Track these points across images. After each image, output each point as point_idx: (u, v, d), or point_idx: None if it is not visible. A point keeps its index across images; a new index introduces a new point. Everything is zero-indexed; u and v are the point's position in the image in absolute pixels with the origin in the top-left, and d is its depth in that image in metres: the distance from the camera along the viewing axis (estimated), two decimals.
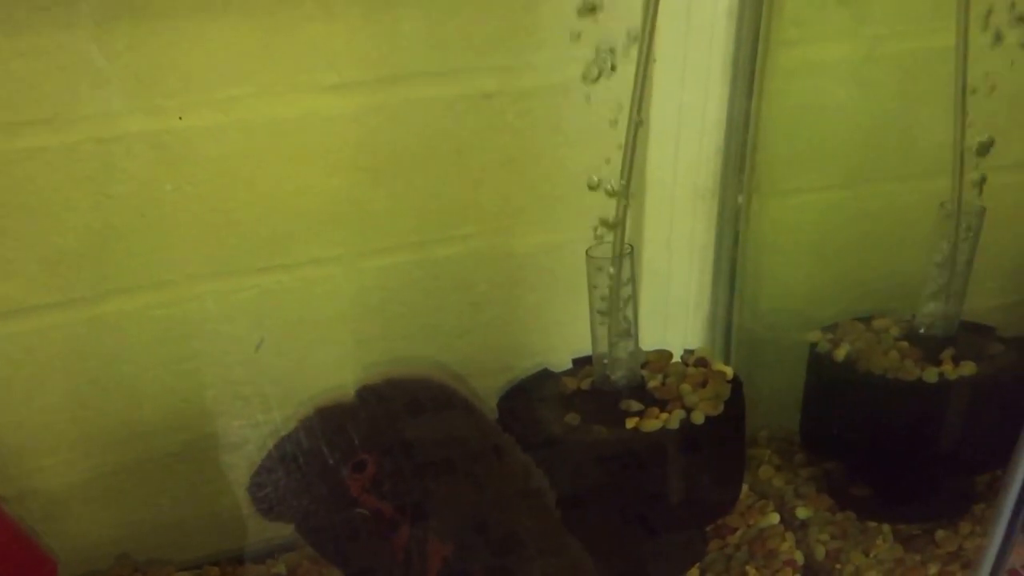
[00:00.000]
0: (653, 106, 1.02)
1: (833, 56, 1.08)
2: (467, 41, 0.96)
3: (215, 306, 0.98)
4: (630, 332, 0.96)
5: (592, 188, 0.95)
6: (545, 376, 1.03)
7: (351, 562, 0.86)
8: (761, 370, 1.13)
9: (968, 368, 0.99)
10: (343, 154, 0.96)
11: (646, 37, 0.87)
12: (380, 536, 0.82)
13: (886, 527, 1.04)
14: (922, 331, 1.04)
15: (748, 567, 0.98)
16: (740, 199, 1.08)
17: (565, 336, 1.08)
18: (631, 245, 0.93)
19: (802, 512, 1.04)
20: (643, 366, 1.00)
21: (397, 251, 1.03)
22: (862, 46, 1.07)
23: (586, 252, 0.93)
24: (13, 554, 0.88)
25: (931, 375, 0.98)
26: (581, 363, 1.02)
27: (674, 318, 1.11)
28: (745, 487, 1.06)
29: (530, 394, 1.00)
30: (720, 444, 0.96)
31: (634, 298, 0.96)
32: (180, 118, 0.90)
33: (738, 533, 1.02)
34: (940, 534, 1.02)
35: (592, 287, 0.95)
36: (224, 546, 1.02)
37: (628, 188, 0.91)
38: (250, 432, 1.00)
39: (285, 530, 1.00)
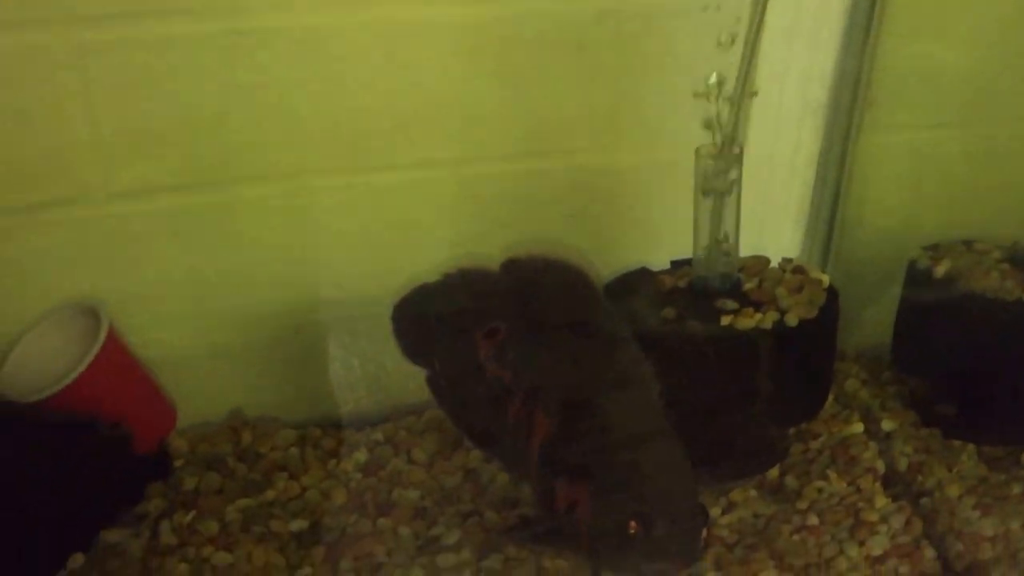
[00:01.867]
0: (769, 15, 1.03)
1: None
2: None
3: (328, 200, 1.03)
4: (730, 235, 0.99)
5: (701, 96, 0.97)
6: (644, 273, 1.06)
7: (466, 418, 0.92)
8: (856, 286, 1.13)
9: None
10: (460, 62, 0.99)
11: None
12: (496, 401, 0.86)
13: (971, 447, 1.05)
14: None
15: (829, 471, 1.00)
16: (852, 117, 1.09)
17: (665, 247, 1.10)
18: (740, 147, 0.95)
19: (887, 424, 1.06)
20: (740, 270, 1.02)
21: (503, 160, 1.06)
22: None
23: (695, 150, 0.95)
24: (141, 400, 0.95)
25: None
26: (680, 264, 1.05)
27: (774, 228, 1.12)
28: (831, 398, 1.08)
29: (628, 289, 1.03)
30: (811, 348, 0.98)
31: (737, 201, 0.98)
32: (312, 16, 0.95)
33: (821, 439, 1.04)
34: None
35: (698, 186, 0.97)
36: (328, 413, 1.09)
37: (743, 90, 0.93)
38: (351, 320, 1.07)
39: (385, 403, 1.08)
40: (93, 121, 0.92)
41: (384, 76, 0.98)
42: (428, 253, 1.02)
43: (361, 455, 1.01)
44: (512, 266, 0.90)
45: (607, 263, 1.08)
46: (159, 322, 1.01)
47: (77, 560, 0.86)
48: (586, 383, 0.84)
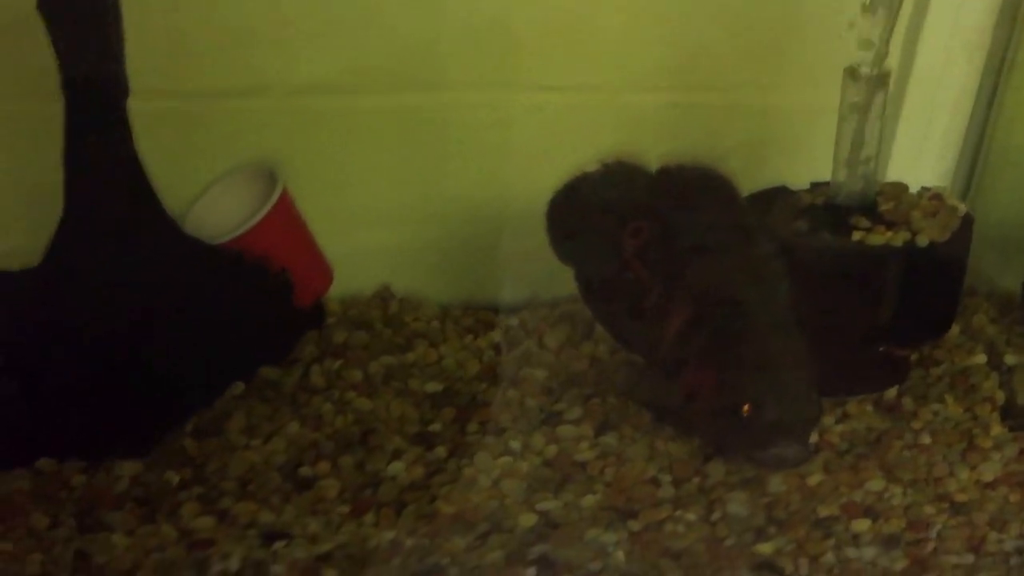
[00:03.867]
0: None
1: None
2: None
3: (500, 115, 1.10)
4: (871, 157, 1.01)
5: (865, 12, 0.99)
6: (782, 191, 1.09)
7: (607, 313, 0.99)
8: (995, 227, 1.14)
9: None
10: None
11: None
12: (636, 297, 0.93)
13: None
14: None
15: (947, 396, 1.02)
16: (1006, 52, 1.09)
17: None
18: (888, 69, 0.97)
19: (1010, 359, 1.07)
20: (878, 194, 1.04)
21: (658, 91, 1.11)
22: None
23: (844, 69, 0.97)
24: (304, 258, 1.04)
25: None
26: (819, 185, 1.08)
27: (919, 157, 1.14)
28: (956, 330, 1.10)
29: (764, 203, 1.07)
30: (939, 271, 1.00)
31: (881, 123, 1.00)
32: None
33: (942, 366, 1.06)
34: None
35: (843, 105, 0.99)
36: (469, 300, 1.16)
37: (896, 10, 0.95)
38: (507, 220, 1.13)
39: (523, 295, 1.15)
40: (276, 11, 1.02)
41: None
42: None
43: (496, 335, 1.09)
44: (664, 171, 0.96)
45: None
46: (329, 210, 1.09)
47: (238, 388, 0.96)
48: (721, 277, 0.90)
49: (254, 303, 0.96)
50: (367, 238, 1.12)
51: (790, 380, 0.86)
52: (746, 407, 0.84)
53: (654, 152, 1.05)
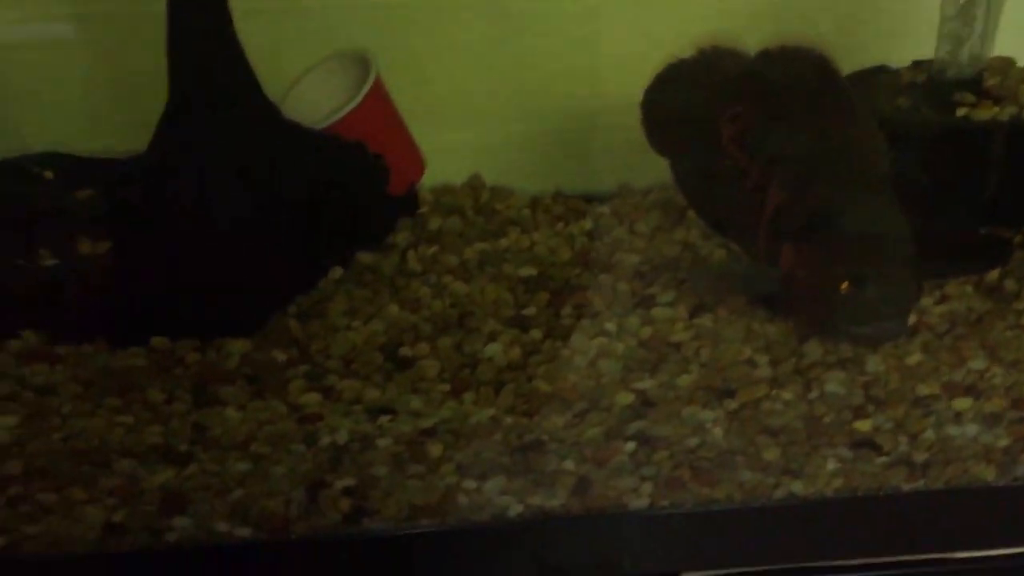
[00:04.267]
0: None
1: None
2: None
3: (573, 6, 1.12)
4: (978, 30, 0.99)
5: None
6: (881, 69, 1.07)
7: (704, 203, 1.01)
8: None
9: None
10: None
11: None
12: (734, 183, 0.93)
13: None
14: None
15: None
16: None
17: None
18: None
19: None
20: (983, 69, 1.02)
21: None
22: None
23: None
24: (398, 146, 1.07)
25: None
26: (921, 64, 1.06)
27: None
28: None
29: (864, 81, 1.05)
30: None
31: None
32: None
33: None
34: None
35: None
36: (563, 189, 1.17)
37: None
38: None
39: (614, 183, 1.16)
40: None
41: None
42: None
43: (587, 223, 1.10)
44: (763, 53, 0.96)
45: None
46: (419, 105, 1.11)
47: (337, 272, 0.99)
48: (821, 155, 0.90)
49: (352, 188, 0.98)
50: (456, 133, 1.14)
51: (890, 256, 0.86)
52: (845, 283, 0.84)
53: (750, 39, 1.05)
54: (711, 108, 0.95)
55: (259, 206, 0.91)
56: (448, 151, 1.14)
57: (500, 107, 1.16)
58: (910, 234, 0.88)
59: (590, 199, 1.14)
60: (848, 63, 1.05)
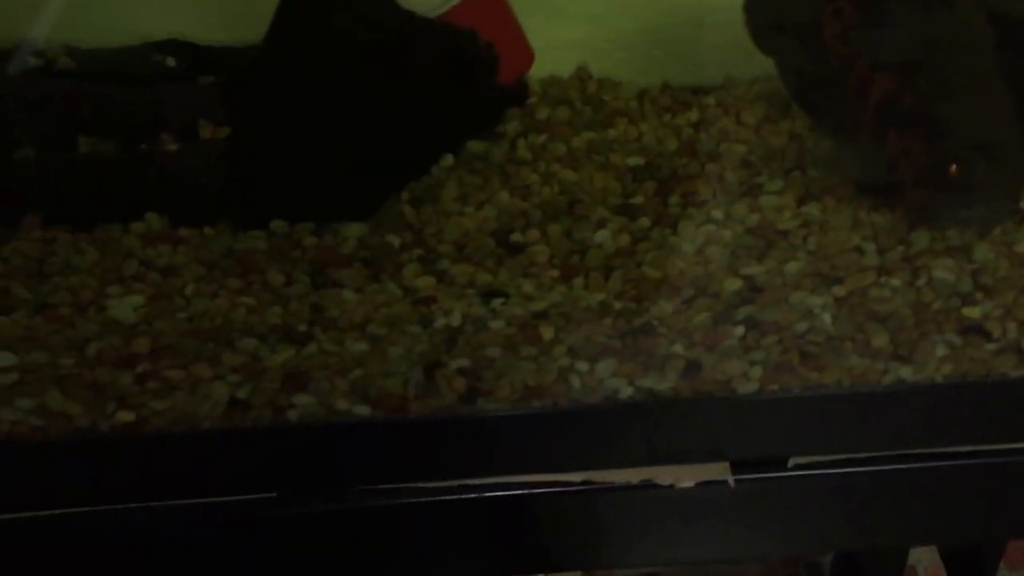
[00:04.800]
0: None
1: None
2: None
3: None
4: None
5: None
6: None
7: (811, 99, 1.03)
8: None
9: None
10: None
11: None
12: (839, 77, 0.95)
13: None
14: None
15: None
16: None
17: None
18: None
19: None
20: None
21: None
22: None
23: None
24: (507, 37, 1.07)
25: None
26: None
27: None
28: None
29: None
30: None
31: None
32: None
33: None
34: None
35: None
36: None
37: None
38: None
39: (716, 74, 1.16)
40: None
41: None
42: None
43: (693, 114, 1.10)
44: None
45: None
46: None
47: (448, 160, 1.01)
48: (925, 45, 0.90)
49: (464, 76, 1.00)
50: (564, 30, 1.15)
51: (998, 139, 0.87)
52: (955, 166, 0.85)
53: None
54: (814, 4, 0.95)
55: (373, 92, 0.93)
56: (556, 47, 1.15)
57: (608, 4, 1.17)
58: (1018, 119, 0.88)
59: (696, 91, 1.15)
60: None
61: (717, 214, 0.96)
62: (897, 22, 0.92)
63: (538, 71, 1.13)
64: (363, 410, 0.82)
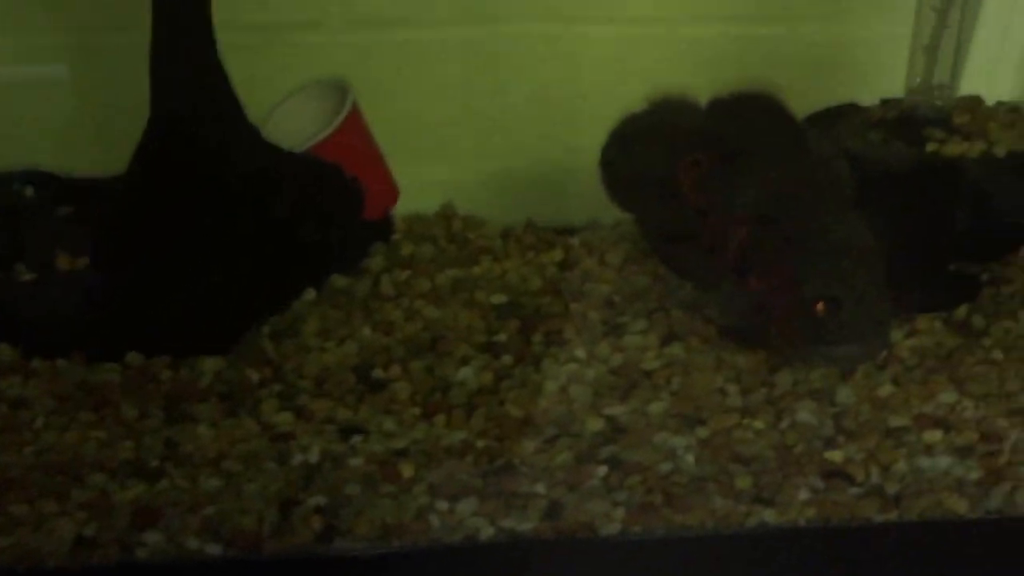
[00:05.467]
0: None
1: None
2: None
3: (564, 47, 1.19)
4: (947, 69, 1.06)
5: None
6: (852, 106, 1.14)
7: (669, 251, 1.06)
8: None
9: None
10: None
11: None
12: (696, 228, 0.99)
13: None
14: None
15: (1019, 313, 1.07)
16: None
17: None
18: None
19: None
20: (952, 107, 1.09)
21: (716, 22, 1.18)
22: None
23: None
24: (373, 172, 1.11)
25: None
26: (890, 101, 1.13)
27: (994, 73, 1.18)
28: None
29: (834, 118, 1.12)
30: (1018, 182, 1.04)
31: (958, 36, 1.04)
32: None
33: (1014, 284, 1.10)
34: None
35: (920, 16, 1.04)
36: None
37: None
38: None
39: (583, 217, 1.21)
40: None
41: None
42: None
43: (558, 253, 1.15)
44: (715, 101, 1.02)
45: None
46: (390, 141, 1.16)
47: (310, 294, 1.04)
48: (780, 188, 0.96)
49: (329, 210, 1.03)
50: (432, 168, 1.21)
51: (863, 277, 0.92)
52: (820, 306, 0.90)
53: (715, 85, 1.11)
54: (669, 160, 1.00)
55: (235, 225, 0.95)
56: (423, 185, 1.20)
57: (475, 144, 1.23)
58: (880, 255, 0.94)
59: (561, 232, 1.20)
60: (819, 101, 1.13)
61: (580, 353, 0.99)
62: (754, 170, 0.98)
63: (404, 208, 1.17)
64: (215, 549, 0.81)
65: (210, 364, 0.94)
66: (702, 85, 1.10)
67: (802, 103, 1.11)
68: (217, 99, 0.93)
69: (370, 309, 1.03)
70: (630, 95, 1.09)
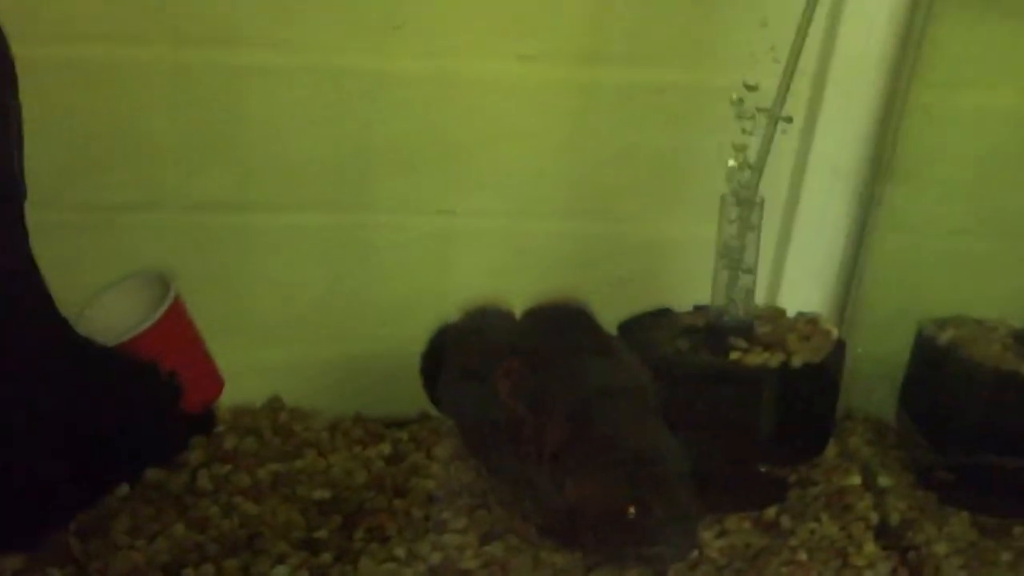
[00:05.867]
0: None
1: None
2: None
3: (398, 237, 1.23)
4: (750, 282, 1.14)
5: (737, 151, 1.13)
6: (665, 312, 1.21)
7: (486, 453, 1.10)
8: (869, 353, 1.28)
9: None
10: (521, 120, 1.19)
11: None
12: (513, 431, 1.03)
13: (964, 513, 1.17)
14: None
15: (823, 514, 1.13)
16: (876, 189, 1.25)
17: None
18: (762, 196, 1.11)
19: (884, 481, 1.19)
20: (756, 318, 1.17)
21: (554, 218, 1.25)
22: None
23: (721, 196, 1.11)
24: (196, 365, 1.13)
25: None
26: (701, 308, 1.21)
27: (793, 284, 1.28)
28: (834, 450, 1.22)
29: (646, 325, 1.19)
30: (814, 391, 1.13)
31: (757, 247, 1.13)
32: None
33: (819, 487, 1.17)
34: (1018, 530, 1.15)
35: (721, 231, 1.13)
36: (359, 414, 1.26)
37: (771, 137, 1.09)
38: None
39: (414, 409, 1.25)
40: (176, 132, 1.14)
41: (453, 126, 1.19)
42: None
43: (385, 447, 1.18)
44: (528, 311, 1.09)
45: None
46: (222, 324, 1.19)
47: (123, 489, 1.03)
48: (589, 394, 1.02)
49: (142, 406, 1.03)
50: (259, 353, 1.23)
51: (670, 479, 0.97)
52: (630, 508, 0.94)
53: (547, 279, 1.18)
54: (485, 367, 1.06)
55: (40, 422, 0.94)
56: (253, 370, 1.22)
57: (309, 332, 1.26)
58: (685, 457, 0.99)
59: (390, 424, 1.23)
60: (638, 306, 1.21)
61: (400, 552, 1.01)
62: (564, 376, 1.03)
63: (235, 396, 1.19)
64: None
65: (11, 563, 0.92)
66: (533, 277, 1.18)
67: (629, 295, 1.23)
68: (27, 293, 0.93)
69: (185, 505, 1.03)
70: (462, 287, 1.15)
